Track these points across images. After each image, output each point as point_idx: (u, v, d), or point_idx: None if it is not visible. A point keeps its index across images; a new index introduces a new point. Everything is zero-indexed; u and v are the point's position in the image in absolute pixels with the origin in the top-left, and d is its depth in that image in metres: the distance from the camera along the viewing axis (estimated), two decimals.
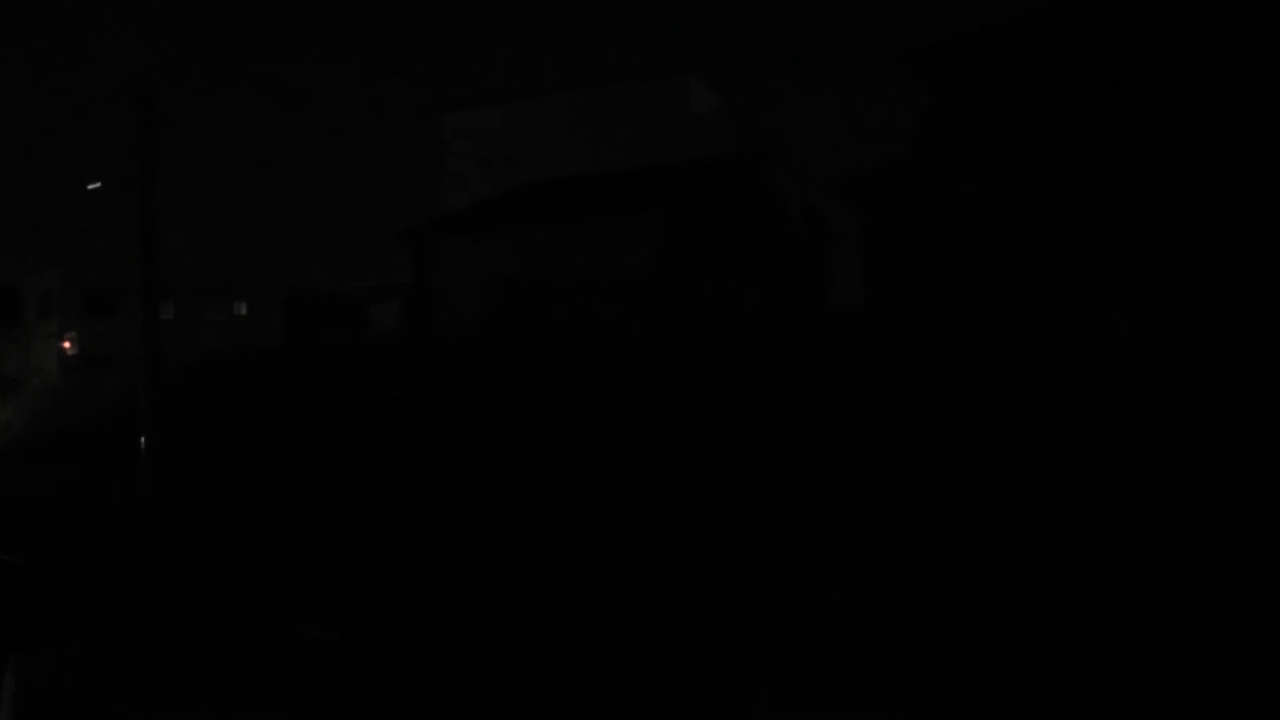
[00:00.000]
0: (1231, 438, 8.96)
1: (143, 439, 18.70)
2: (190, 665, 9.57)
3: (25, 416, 27.17)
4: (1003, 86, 13.77)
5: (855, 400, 11.48)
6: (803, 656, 8.87)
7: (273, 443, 17.29)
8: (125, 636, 10.70)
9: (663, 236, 21.82)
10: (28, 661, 9.16)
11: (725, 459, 11.70)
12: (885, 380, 11.63)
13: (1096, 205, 12.30)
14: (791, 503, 10.65)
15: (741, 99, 36.73)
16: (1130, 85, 12.62)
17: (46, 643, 10.47)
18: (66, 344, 37.92)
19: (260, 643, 10.38)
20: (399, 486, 14.64)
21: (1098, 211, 12.26)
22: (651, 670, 9.18)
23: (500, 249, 23.95)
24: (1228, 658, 7.57)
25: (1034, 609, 8.55)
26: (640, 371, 14.39)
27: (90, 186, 21.70)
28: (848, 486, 10.43)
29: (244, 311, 42.78)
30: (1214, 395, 9.38)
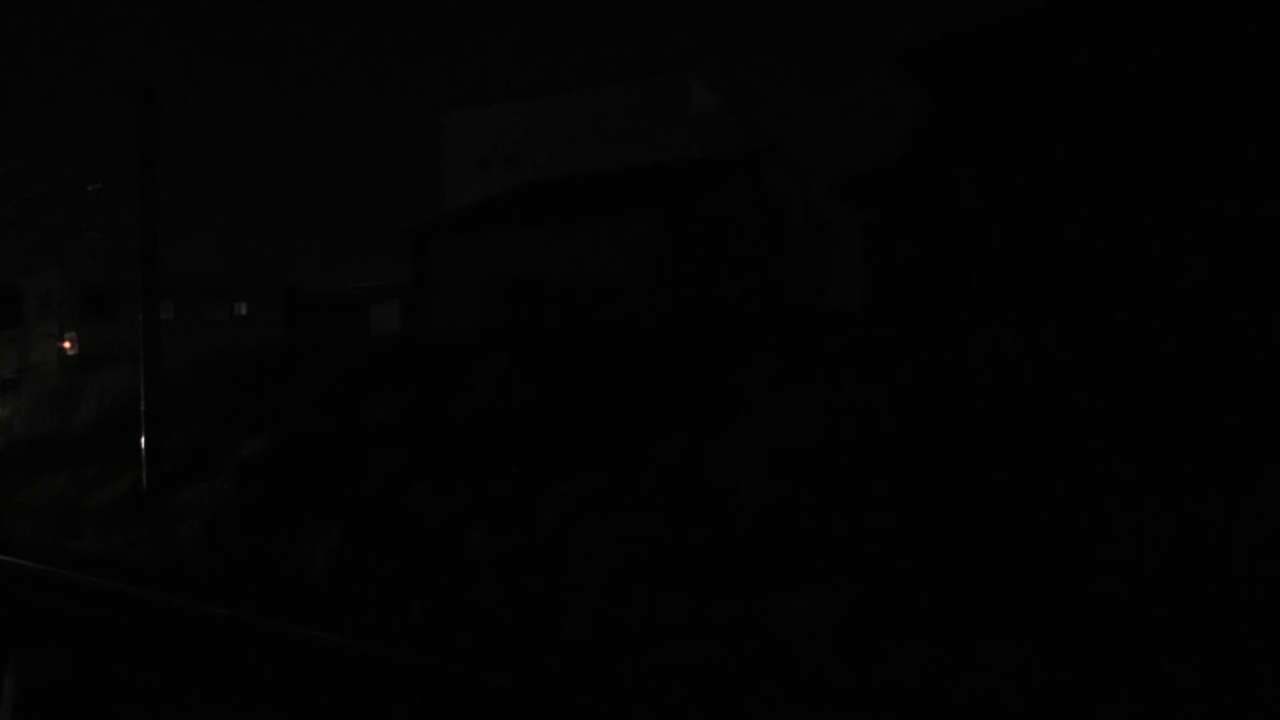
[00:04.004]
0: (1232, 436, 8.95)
1: (143, 439, 18.73)
2: (188, 666, 9.58)
3: (24, 417, 27.16)
4: (1001, 85, 13.79)
5: (855, 400, 11.48)
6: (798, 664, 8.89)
7: (272, 440, 17.28)
8: (123, 638, 10.71)
9: (662, 237, 21.84)
10: (28, 661, 9.19)
11: (724, 461, 11.71)
12: (885, 380, 11.62)
13: (1095, 203, 12.31)
14: (790, 502, 10.66)
15: (741, 99, 36.67)
16: (1129, 83, 12.64)
17: (44, 643, 10.48)
18: (66, 344, 37.90)
19: (258, 643, 10.39)
20: (399, 484, 14.66)
21: (1096, 209, 12.28)
22: (648, 671, 9.19)
23: (500, 249, 23.96)
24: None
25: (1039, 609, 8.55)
26: (641, 373, 14.40)
27: (90, 187, 21.72)
28: (849, 488, 10.43)
29: (244, 311, 42.75)
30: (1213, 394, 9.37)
